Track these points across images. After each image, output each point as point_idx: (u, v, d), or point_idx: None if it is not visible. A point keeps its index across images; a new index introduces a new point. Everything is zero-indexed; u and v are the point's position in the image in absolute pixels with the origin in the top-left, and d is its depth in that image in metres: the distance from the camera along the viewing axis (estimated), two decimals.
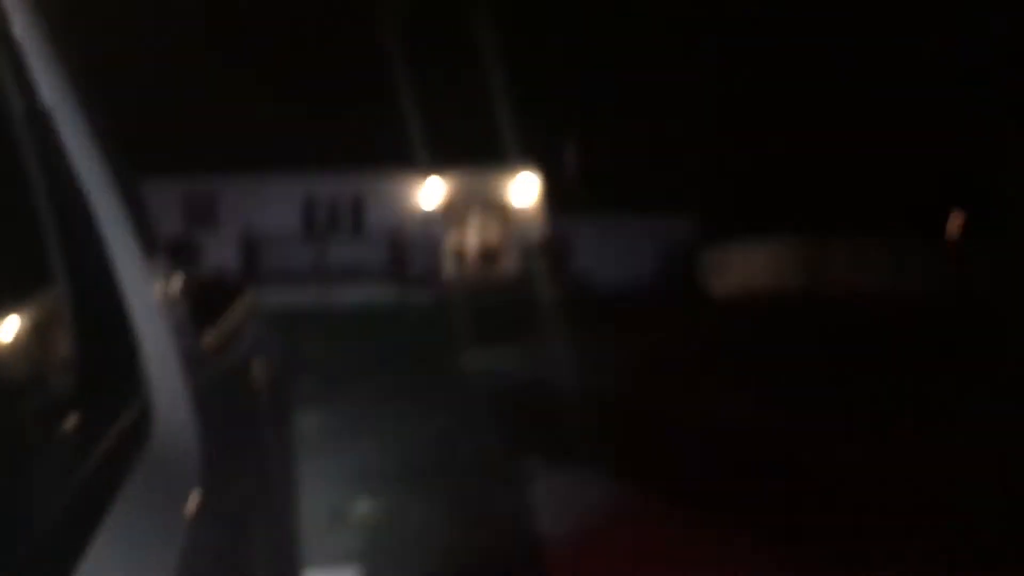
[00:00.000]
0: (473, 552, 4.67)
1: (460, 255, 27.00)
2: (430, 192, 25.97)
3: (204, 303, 1.89)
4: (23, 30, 1.07)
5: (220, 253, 20.89)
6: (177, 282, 1.66)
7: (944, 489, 5.67)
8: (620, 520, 5.18)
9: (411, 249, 25.14)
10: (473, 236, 27.27)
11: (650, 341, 14.48)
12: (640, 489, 5.82)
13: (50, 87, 1.12)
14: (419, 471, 6.34)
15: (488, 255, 27.16)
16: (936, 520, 5.01)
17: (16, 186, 0.95)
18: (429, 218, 25.95)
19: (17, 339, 0.86)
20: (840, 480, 5.93)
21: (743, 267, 29.47)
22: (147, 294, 1.31)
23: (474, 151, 25.10)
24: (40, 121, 1.06)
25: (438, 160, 23.84)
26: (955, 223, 24.75)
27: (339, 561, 4.47)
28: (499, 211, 26.96)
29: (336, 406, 8.93)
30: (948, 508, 5.26)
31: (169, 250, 1.99)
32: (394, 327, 17.60)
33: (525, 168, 25.89)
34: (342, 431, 7.75)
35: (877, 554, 4.50)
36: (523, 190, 26.49)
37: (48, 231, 0.98)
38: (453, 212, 26.74)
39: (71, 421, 0.93)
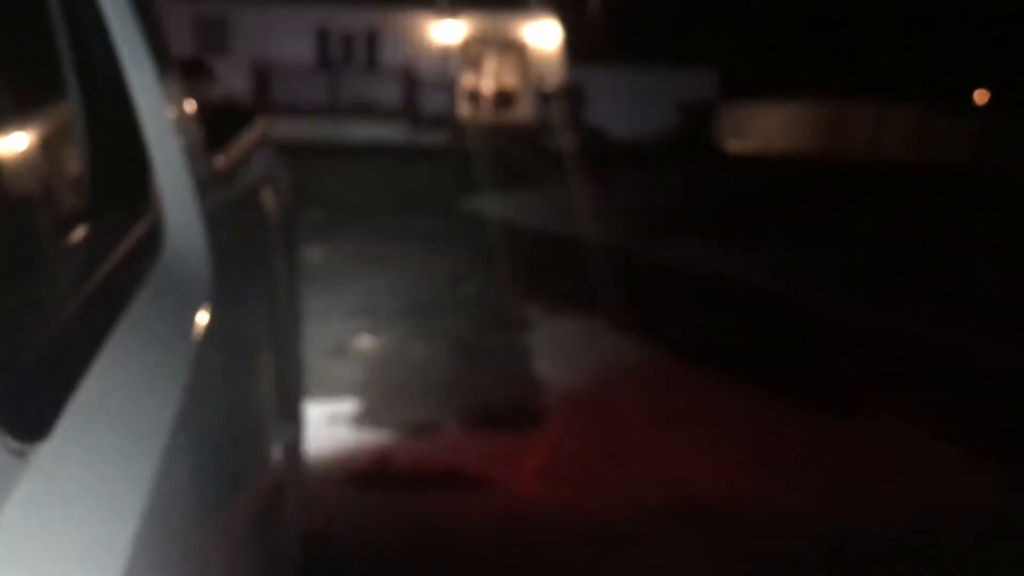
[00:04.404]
0: (469, 390, 4.77)
1: (475, 97, 26.62)
2: (447, 31, 25.39)
3: (215, 126, 1.86)
4: None
5: (231, 81, 20.59)
6: (190, 102, 1.63)
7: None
8: (612, 366, 5.27)
9: (425, 88, 24.77)
10: (489, 79, 26.83)
11: (660, 193, 14.42)
12: (632, 337, 5.90)
13: None
14: (421, 309, 6.42)
15: (503, 99, 26.77)
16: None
17: None
18: (445, 58, 25.46)
19: (30, 151, 0.85)
20: (816, 328, 6.01)
21: (761, 127, 29.14)
22: (160, 110, 1.29)
23: None
24: None
25: None
26: (981, 96, 24.25)
27: (338, 393, 4.57)
28: (517, 55, 26.43)
29: (342, 241, 8.97)
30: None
31: (184, 68, 1.94)
32: (405, 166, 17.51)
33: (545, 13, 25.24)
34: (346, 266, 7.82)
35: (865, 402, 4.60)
36: (542, 35, 25.89)
37: (61, 43, 0.96)
38: (470, 53, 26.22)
39: (81, 233, 0.93)
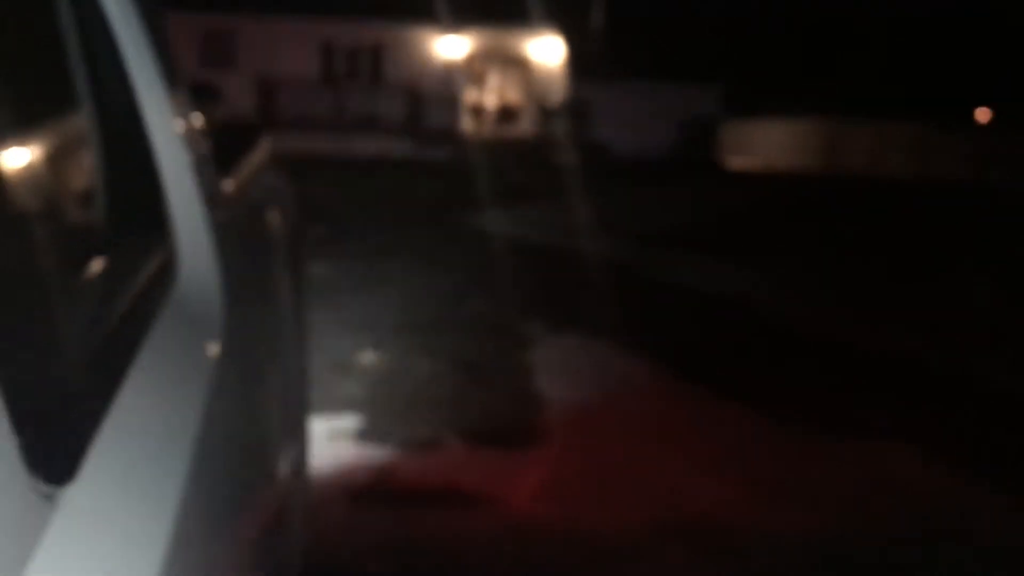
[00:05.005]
0: (473, 406, 4.78)
1: (478, 113, 26.67)
2: (451, 47, 25.48)
3: (222, 148, 1.89)
4: None
5: (237, 96, 20.65)
6: (200, 125, 1.66)
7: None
8: (615, 383, 5.28)
9: (429, 103, 24.83)
10: (492, 94, 26.88)
11: (661, 210, 14.44)
12: (635, 354, 5.91)
13: None
14: (423, 325, 6.43)
15: (506, 114, 26.81)
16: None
17: (41, 11, 0.94)
18: (448, 73, 25.54)
19: (45, 165, 0.86)
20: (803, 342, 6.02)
21: (763, 144, 29.18)
22: (170, 130, 1.30)
23: (497, 8, 24.50)
24: None
25: (460, 14, 23.31)
26: (983, 114, 24.30)
27: (340, 409, 4.57)
28: (520, 71, 26.49)
29: (345, 257, 8.99)
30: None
31: (193, 90, 1.97)
32: (408, 181, 17.54)
33: (549, 30, 25.32)
34: (349, 281, 7.83)
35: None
36: (546, 52, 25.96)
37: (73, 57, 0.97)
38: (473, 69, 26.29)
39: (98, 266, 0.94)
